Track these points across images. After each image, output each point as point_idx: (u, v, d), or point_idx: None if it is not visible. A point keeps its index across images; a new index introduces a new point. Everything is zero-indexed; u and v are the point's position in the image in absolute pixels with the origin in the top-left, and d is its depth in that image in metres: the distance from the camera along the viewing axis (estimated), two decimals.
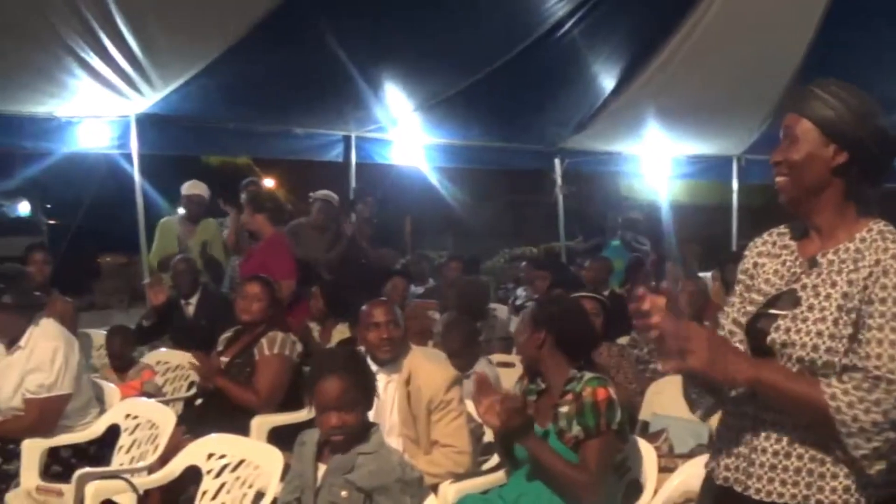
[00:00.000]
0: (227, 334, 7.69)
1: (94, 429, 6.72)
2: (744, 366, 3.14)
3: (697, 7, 11.86)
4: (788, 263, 3.39)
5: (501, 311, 11.84)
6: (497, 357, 8.56)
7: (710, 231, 20.14)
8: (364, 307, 6.20)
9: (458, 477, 5.65)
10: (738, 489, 3.32)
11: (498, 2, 11.17)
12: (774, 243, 3.49)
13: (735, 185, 17.41)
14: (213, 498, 5.39)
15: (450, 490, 5.41)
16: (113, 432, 6.63)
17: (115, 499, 5.63)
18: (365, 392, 4.68)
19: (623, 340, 8.39)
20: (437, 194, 17.43)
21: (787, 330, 3.22)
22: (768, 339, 3.27)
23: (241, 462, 5.46)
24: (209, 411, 7.09)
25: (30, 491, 6.11)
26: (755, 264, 3.50)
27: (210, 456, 5.58)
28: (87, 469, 5.89)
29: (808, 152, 3.22)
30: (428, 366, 6.01)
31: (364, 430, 4.64)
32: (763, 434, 3.27)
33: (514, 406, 4.94)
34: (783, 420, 3.22)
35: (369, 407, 4.80)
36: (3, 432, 6.54)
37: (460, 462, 5.79)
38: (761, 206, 16.52)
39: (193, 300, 9.81)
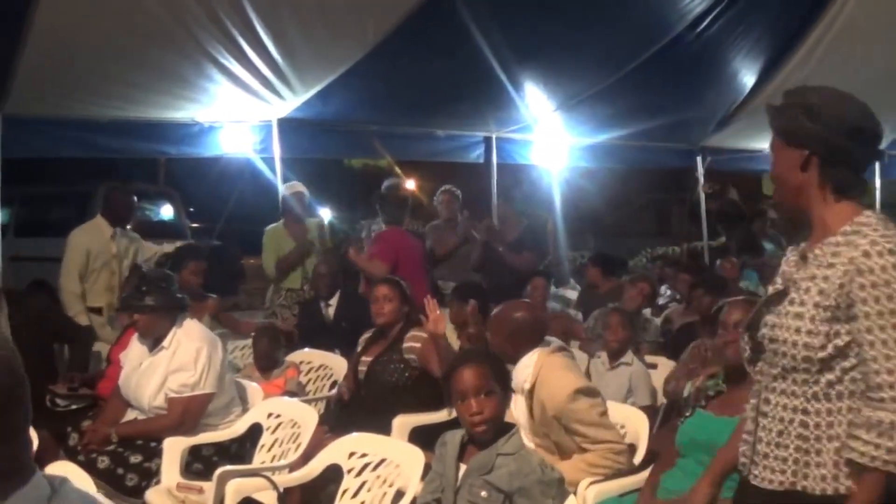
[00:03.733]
0: (366, 335, 7.74)
1: (237, 427, 6.79)
2: None
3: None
4: (791, 262, 3.60)
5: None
6: (647, 358, 8.44)
7: None
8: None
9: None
10: (745, 474, 3.61)
11: None
12: (795, 249, 3.66)
13: (878, 181, 17.03)
14: (354, 496, 5.42)
15: (589, 492, 5.34)
16: (255, 431, 6.69)
17: (255, 496, 5.68)
18: (501, 382, 4.80)
19: None
20: (578, 194, 17.31)
21: (773, 326, 3.49)
22: (758, 335, 3.58)
23: (382, 461, 5.48)
24: (351, 410, 7.12)
25: (170, 488, 6.16)
26: (781, 272, 3.68)
27: (351, 454, 5.61)
28: (229, 467, 5.95)
29: (782, 163, 3.53)
30: (551, 380, 5.72)
31: (504, 429, 4.68)
32: (761, 425, 3.54)
33: None
34: (778, 412, 3.46)
35: (507, 398, 4.89)
36: (146, 431, 6.63)
37: (620, 457, 5.63)
38: None
39: (333, 301, 9.82)
